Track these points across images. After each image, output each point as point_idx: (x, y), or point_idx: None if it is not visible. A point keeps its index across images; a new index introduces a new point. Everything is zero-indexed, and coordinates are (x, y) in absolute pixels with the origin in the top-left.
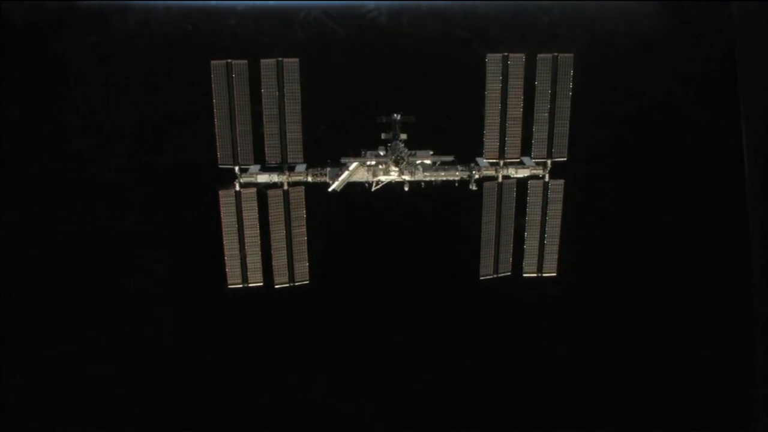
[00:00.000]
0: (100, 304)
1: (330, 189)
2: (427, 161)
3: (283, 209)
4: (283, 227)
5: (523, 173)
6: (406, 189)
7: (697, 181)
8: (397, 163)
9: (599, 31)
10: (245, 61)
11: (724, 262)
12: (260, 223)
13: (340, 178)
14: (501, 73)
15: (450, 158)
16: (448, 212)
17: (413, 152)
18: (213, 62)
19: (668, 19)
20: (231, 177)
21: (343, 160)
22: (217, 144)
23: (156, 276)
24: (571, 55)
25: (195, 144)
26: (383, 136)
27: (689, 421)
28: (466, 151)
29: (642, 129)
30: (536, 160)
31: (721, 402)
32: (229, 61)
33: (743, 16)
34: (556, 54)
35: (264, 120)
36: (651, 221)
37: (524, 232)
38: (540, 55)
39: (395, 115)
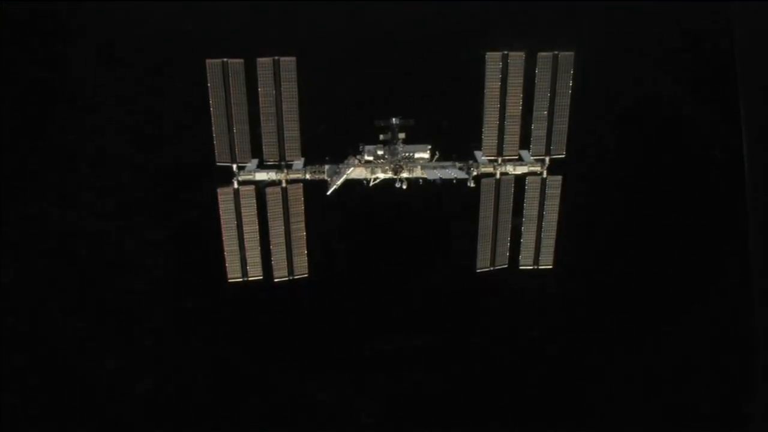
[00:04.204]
0: (100, 303)
1: (328, 192)
2: (425, 155)
3: (281, 206)
4: (282, 223)
5: (521, 170)
6: (404, 187)
7: (697, 181)
8: (396, 172)
9: (599, 31)
10: (241, 60)
11: (724, 261)
12: (259, 219)
13: (338, 182)
14: (500, 72)
15: (449, 163)
16: (446, 208)
17: (410, 153)
18: (208, 61)
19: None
20: (229, 175)
21: (340, 166)
22: (215, 142)
23: (156, 273)
24: (572, 53)
25: (194, 142)
26: (381, 137)
27: (689, 421)
28: (464, 148)
29: (641, 128)
30: (535, 157)
31: (721, 402)
32: (225, 60)
33: (743, 16)
34: (556, 52)
35: (261, 118)
36: (650, 220)
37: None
38: (540, 54)
39: (393, 119)
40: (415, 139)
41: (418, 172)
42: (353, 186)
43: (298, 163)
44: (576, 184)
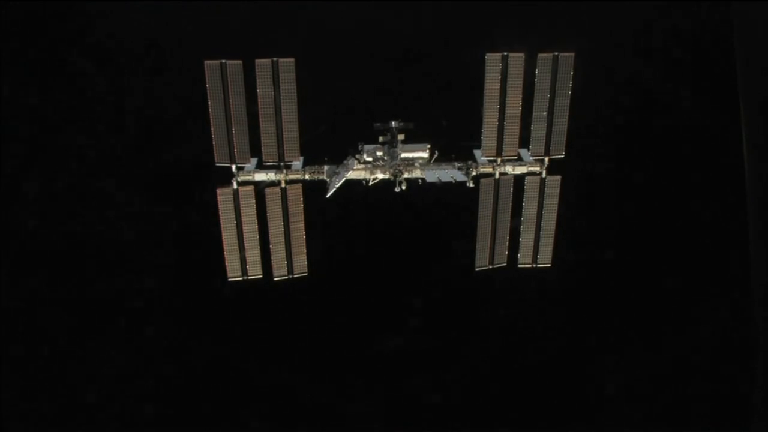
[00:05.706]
0: (100, 303)
1: (328, 195)
2: (424, 155)
3: (281, 206)
4: (281, 223)
5: (520, 170)
6: (404, 188)
7: (697, 181)
8: (395, 177)
9: (599, 31)
10: (239, 62)
11: (724, 261)
12: (258, 219)
13: (338, 184)
14: (500, 73)
15: (449, 164)
16: (446, 207)
17: (410, 155)
18: (207, 62)
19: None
20: (228, 175)
21: (339, 167)
22: (214, 143)
23: (155, 273)
24: (572, 54)
25: (193, 143)
26: (381, 139)
27: (689, 421)
28: (463, 148)
29: (641, 128)
30: (534, 158)
31: (721, 402)
32: (223, 61)
33: (743, 16)
34: (556, 53)
35: (260, 119)
36: (650, 220)
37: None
38: (541, 55)
39: (393, 122)
40: (414, 138)
41: (417, 173)
42: (353, 186)
43: (297, 163)
44: (575, 184)
